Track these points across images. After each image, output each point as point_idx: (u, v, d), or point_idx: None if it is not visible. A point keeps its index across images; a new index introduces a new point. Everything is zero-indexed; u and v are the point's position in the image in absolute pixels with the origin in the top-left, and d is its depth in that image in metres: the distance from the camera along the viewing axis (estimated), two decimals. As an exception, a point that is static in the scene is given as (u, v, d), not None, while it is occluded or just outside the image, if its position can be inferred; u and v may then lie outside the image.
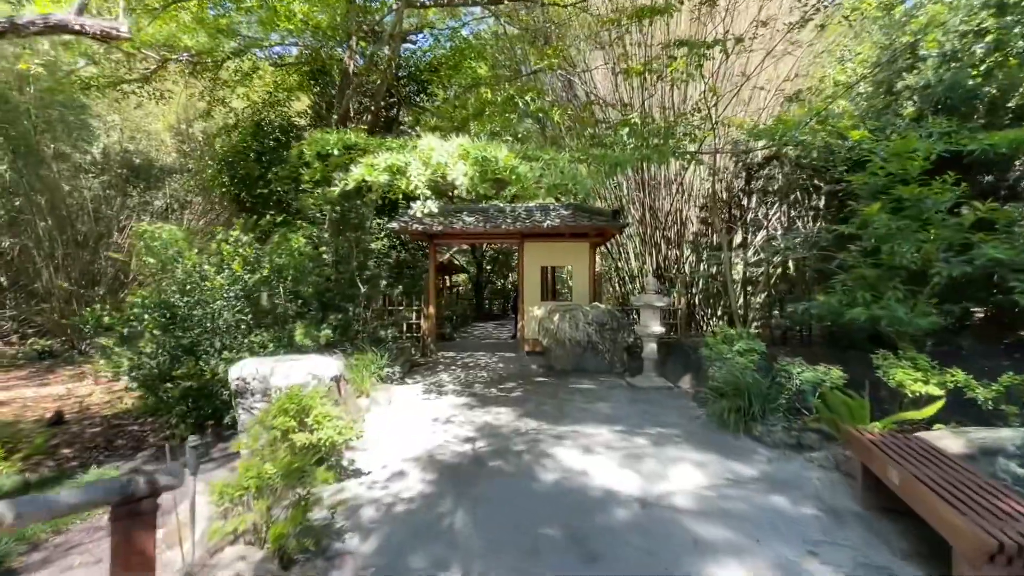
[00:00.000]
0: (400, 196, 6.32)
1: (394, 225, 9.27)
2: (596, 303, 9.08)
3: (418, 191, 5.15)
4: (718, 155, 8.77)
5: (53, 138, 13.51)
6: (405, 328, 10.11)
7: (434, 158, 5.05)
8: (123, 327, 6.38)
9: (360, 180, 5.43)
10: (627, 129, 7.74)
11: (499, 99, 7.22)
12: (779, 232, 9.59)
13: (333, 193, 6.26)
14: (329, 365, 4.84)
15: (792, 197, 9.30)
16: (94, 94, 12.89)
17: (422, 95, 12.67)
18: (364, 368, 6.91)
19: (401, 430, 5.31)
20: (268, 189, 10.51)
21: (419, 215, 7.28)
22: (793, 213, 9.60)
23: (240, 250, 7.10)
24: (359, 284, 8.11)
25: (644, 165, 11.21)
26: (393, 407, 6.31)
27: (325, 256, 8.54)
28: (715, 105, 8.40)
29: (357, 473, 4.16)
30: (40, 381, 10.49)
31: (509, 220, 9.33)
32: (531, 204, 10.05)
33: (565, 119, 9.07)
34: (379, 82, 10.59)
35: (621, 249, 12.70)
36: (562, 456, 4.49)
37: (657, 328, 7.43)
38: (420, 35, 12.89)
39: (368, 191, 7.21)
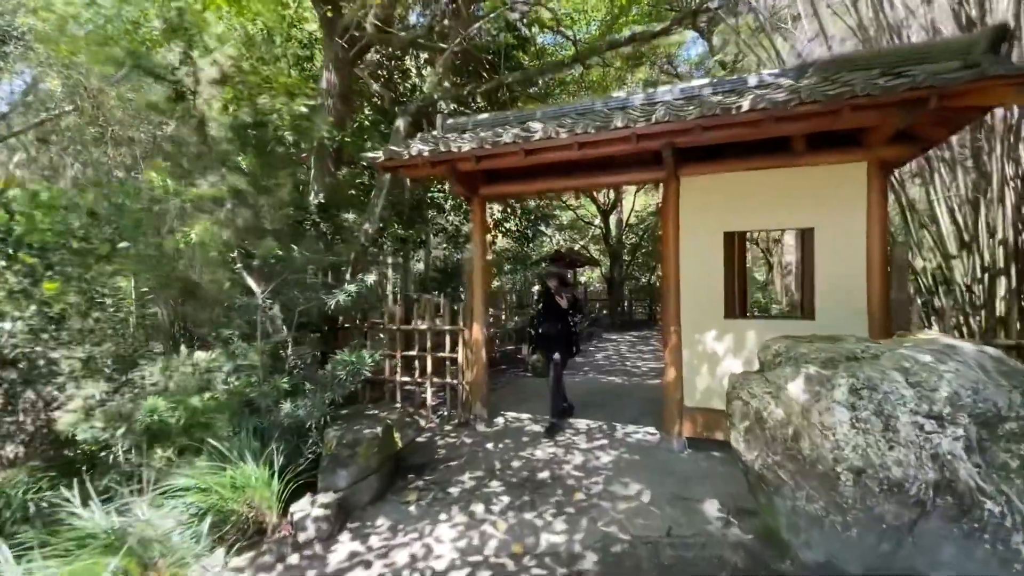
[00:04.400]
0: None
1: (375, 155, 4.24)
2: (929, 334, 2.83)
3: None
4: None
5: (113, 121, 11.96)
6: (425, 369, 5.11)
7: None
8: None
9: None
10: None
11: None
12: None
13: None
14: None
15: None
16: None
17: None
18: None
19: None
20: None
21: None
22: None
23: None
24: (251, 285, 3.34)
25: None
26: None
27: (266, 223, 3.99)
28: None
29: None
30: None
31: (637, 114, 3.66)
32: (698, 82, 4.10)
33: None
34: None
35: (928, 180, 5.83)
36: None
37: None
38: None
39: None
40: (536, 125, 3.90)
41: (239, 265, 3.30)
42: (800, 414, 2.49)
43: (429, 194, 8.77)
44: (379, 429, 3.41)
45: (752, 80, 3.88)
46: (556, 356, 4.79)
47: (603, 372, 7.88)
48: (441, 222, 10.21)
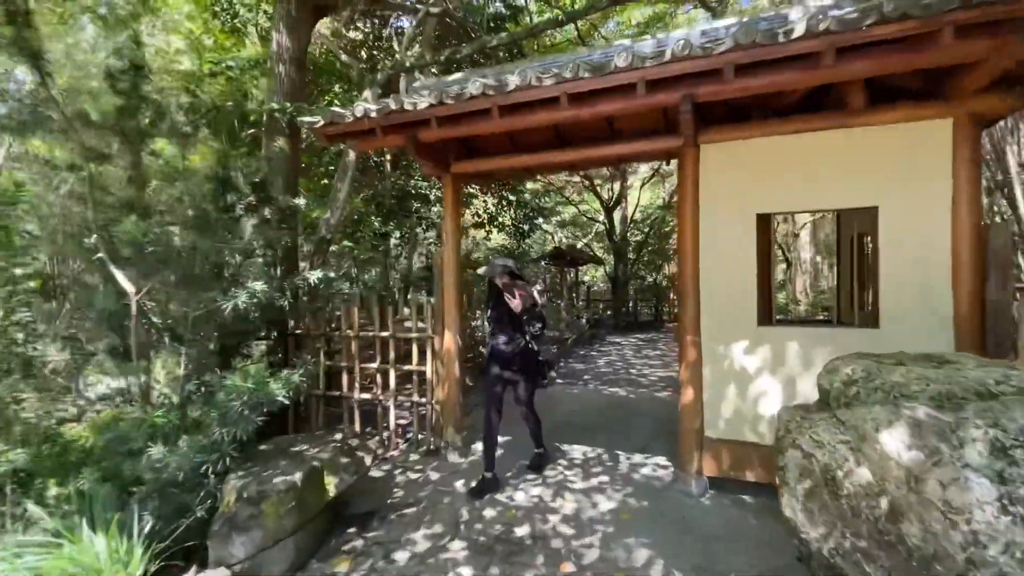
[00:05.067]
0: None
1: (313, 120, 3.37)
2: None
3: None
4: None
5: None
6: (388, 384, 4.24)
7: None
8: None
9: None
10: None
11: None
12: None
13: None
14: None
15: None
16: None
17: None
18: None
19: None
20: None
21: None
22: None
23: None
24: (121, 281, 2.47)
25: None
26: None
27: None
28: None
29: None
30: None
31: (646, 56, 2.80)
32: (723, 22, 3.22)
33: None
34: None
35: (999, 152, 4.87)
36: None
37: None
38: None
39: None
40: (512, 77, 3.02)
41: (100, 254, 2.45)
42: (904, 482, 1.60)
43: (413, 181, 7.91)
44: (298, 476, 2.54)
45: (794, 14, 2.98)
46: (501, 385, 3.43)
47: (605, 382, 6.98)
48: (431, 216, 9.35)
